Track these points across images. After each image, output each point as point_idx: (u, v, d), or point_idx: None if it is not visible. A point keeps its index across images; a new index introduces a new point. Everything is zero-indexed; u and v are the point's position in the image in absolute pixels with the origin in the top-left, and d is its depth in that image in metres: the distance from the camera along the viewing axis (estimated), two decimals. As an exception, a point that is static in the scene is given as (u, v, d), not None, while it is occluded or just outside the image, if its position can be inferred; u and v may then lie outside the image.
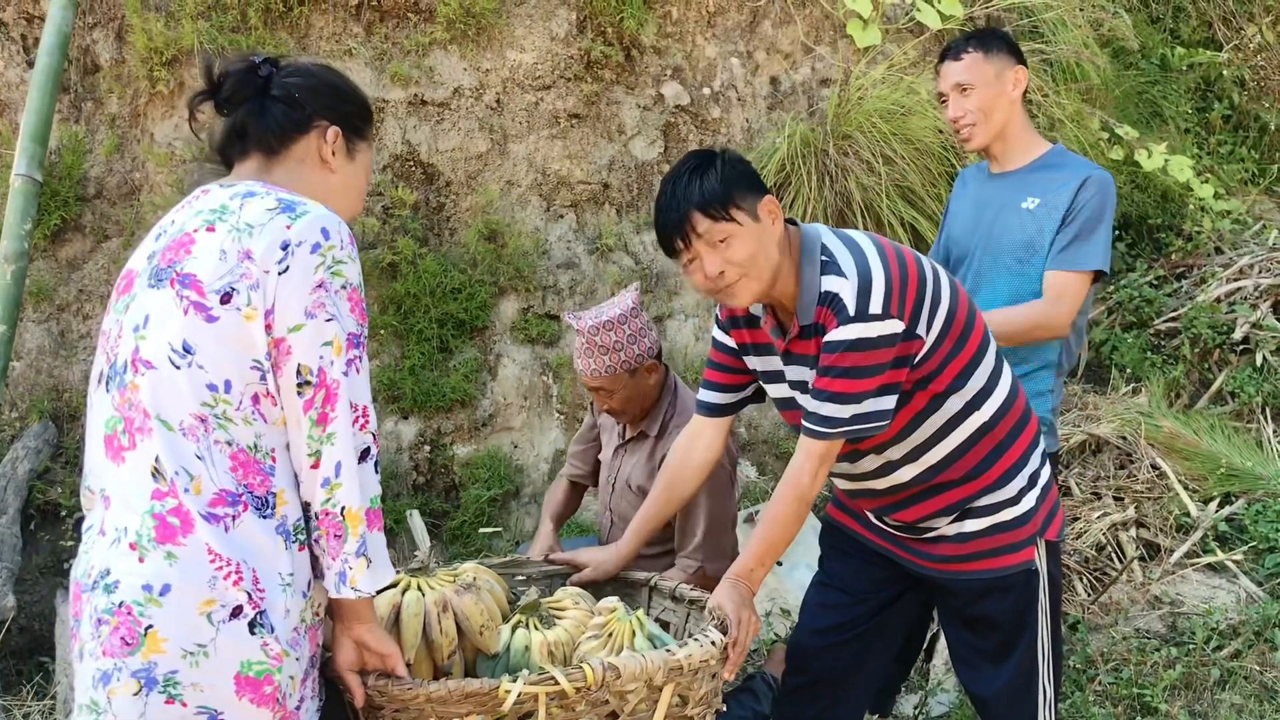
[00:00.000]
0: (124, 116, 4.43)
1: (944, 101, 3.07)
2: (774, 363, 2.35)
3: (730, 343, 2.41)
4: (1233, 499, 4.50)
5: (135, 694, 1.63)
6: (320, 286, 1.70)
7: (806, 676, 2.55)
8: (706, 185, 2.12)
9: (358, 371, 1.74)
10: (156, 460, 1.68)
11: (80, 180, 4.36)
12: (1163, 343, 5.45)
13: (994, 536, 2.32)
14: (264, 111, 1.86)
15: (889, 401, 2.17)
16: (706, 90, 4.96)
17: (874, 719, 3.18)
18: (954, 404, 2.24)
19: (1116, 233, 5.90)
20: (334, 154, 1.89)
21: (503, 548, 4.16)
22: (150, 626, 1.63)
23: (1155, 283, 5.71)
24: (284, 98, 1.86)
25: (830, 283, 2.14)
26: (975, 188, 3.15)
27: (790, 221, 2.25)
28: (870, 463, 2.32)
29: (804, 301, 2.19)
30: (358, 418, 1.72)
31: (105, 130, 4.41)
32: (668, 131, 4.89)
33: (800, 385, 2.29)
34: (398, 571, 2.38)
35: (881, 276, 2.12)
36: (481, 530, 4.09)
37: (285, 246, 1.69)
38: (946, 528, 2.34)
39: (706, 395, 2.49)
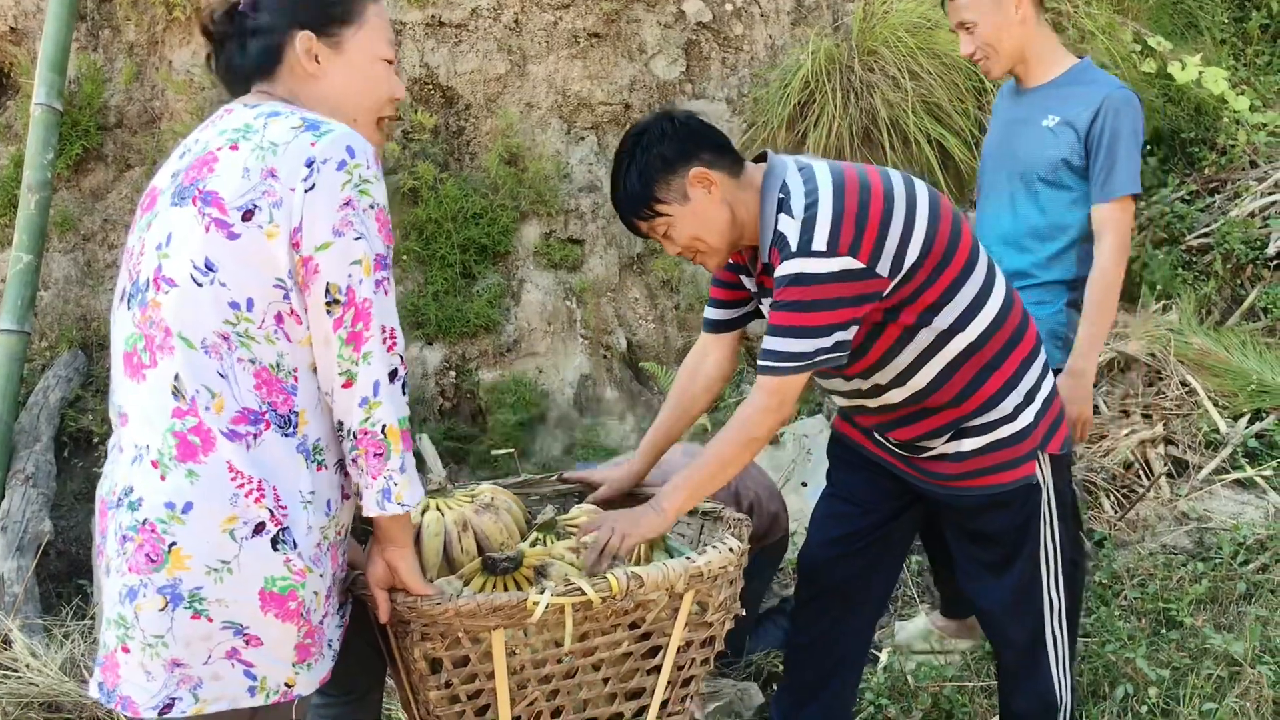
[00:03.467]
0: (141, 44, 4.40)
1: (966, 31, 3.00)
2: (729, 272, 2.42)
3: (730, 259, 2.42)
4: (1263, 415, 4.45)
5: (161, 609, 1.65)
6: (348, 204, 1.67)
7: (816, 588, 2.56)
8: (629, 189, 2.19)
9: (386, 293, 1.72)
10: (177, 378, 1.68)
11: (100, 109, 4.35)
12: (1194, 259, 5.36)
13: (992, 454, 2.30)
14: (244, 49, 1.83)
15: (845, 335, 2.14)
16: (729, 6, 4.87)
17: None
18: (929, 334, 2.21)
19: (1148, 148, 5.79)
20: (316, 59, 1.82)
21: (528, 469, 4.19)
22: (174, 543, 1.64)
23: (1188, 198, 5.61)
24: (257, 29, 1.83)
25: (781, 221, 2.14)
26: (1006, 106, 3.12)
27: (762, 156, 2.26)
28: (860, 384, 2.32)
29: (763, 240, 2.20)
30: (386, 339, 1.71)
31: (123, 58, 4.39)
32: (689, 50, 4.81)
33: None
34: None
35: (829, 213, 2.09)
36: (494, 451, 4.12)
37: (310, 164, 1.66)
38: (943, 447, 2.32)
39: (711, 312, 2.49)
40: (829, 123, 4.61)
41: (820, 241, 2.07)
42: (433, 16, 4.48)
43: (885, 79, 4.62)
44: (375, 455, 1.72)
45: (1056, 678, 2.45)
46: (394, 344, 1.73)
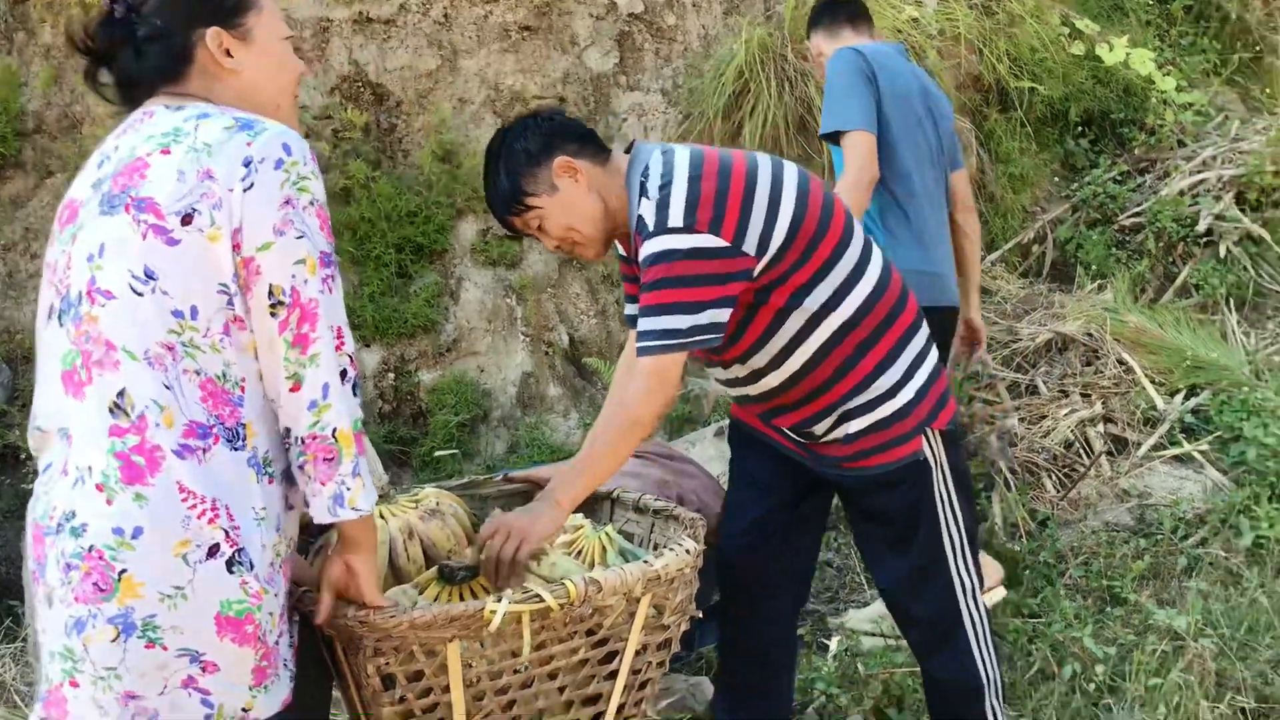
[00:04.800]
0: (59, 46, 4.27)
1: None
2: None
3: (623, 253, 2.41)
4: (1198, 391, 4.53)
5: (113, 640, 1.57)
6: (288, 203, 1.62)
7: (737, 580, 2.55)
8: (500, 189, 2.22)
9: (332, 291, 1.67)
10: (121, 395, 1.61)
11: (18, 115, 4.22)
12: (1127, 238, 5.45)
13: (877, 433, 2.29)
14: (141, 56, 1.75)
15: (718, 313, 2.13)
16: (660, -3, 4.84)
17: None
18: (801, 315, 2.21)
19: (1080, 129, 5.87)
20: (229, 53, 1.76)
21: (473, 470, 4.14)
22: (125, 570, 1.57)
23: (1119, 178, 5.69)
24: (151, 34, 1.74)
25: (641, 205, 2.17)
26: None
27: (630, 147, 2.28)
28: (738, 370, 2.31)
29: (631, 228, 2.22)
30: (334, 338, 1.66)
31: (40, 61, 4.26)
32: (622, 41, 4.77)
33: None
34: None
35: (683, 191, 2.11)
36: (437, 452, 4.07)
37: (248, 163, 1.61)
38: (833, 432, 2.32)
39: (630, 308, 2.45)
40: (764, 112, 4.60)
41: (676, 218, 2.09)
42: (360, 13, 4.40)
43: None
44: (325, 460, 1.67)
45: (980, 656, 2.44)
46: (342, 343, 1.68)
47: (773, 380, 2.29)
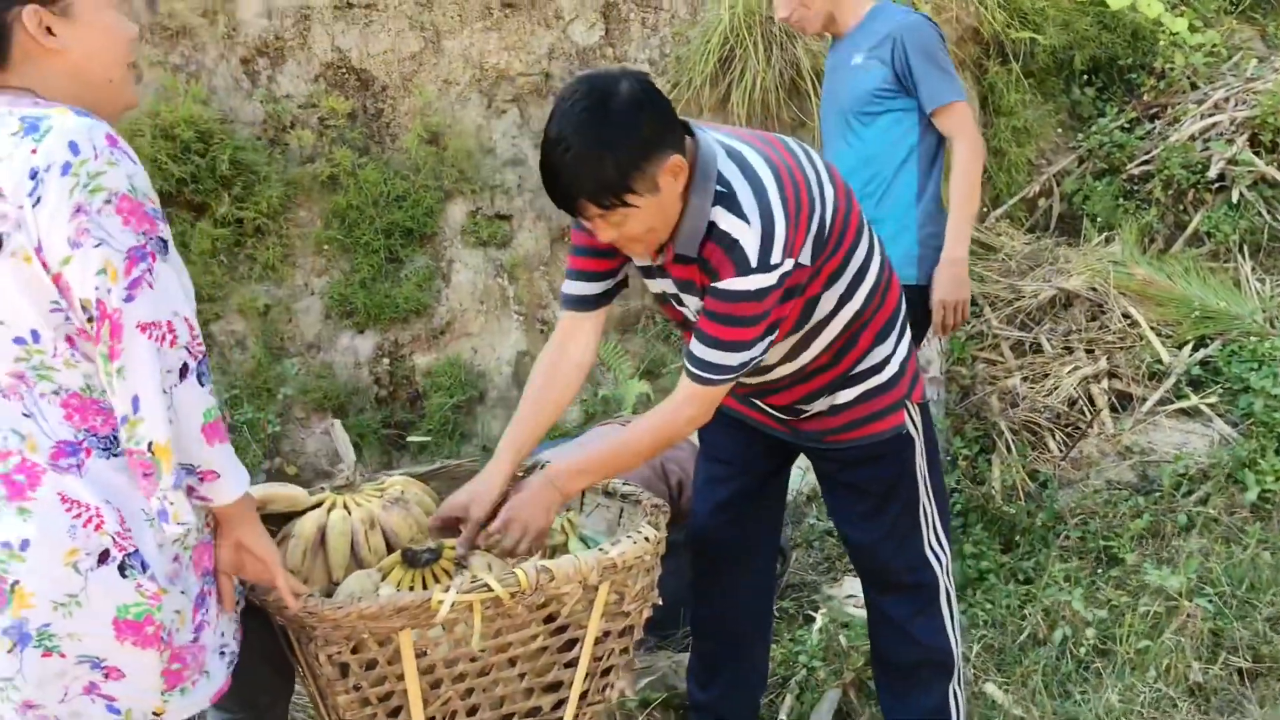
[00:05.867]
0: None
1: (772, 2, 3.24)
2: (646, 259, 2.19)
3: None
4: (1208, 342, 4.43)
5: (9, 651, 1.59)
6: (79, 211, 1.54)
7: (710, 556, 2.55)
8: (600, 175, 1.87)
9: (150, 286, 1.57)
10: None
11: None
12: (1135, 188, 5.32)
13: (865, 404, 2.27)
14: None
15: (772, 336, 2.07)
16: (644, -35, 4.78)
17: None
18: (827, 303, 2.16)
19: (1085, 77, 5.73)
20: (49, 31, 1.64)
21: (470, 451, 4.16)
22: (16, 582, 1.58)
23: (1127, 126, 5.54)
24: None
25: (727, 221, 1.96)
26: (829, 60, 3.33)
27: (687, 130, 2.02)
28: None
29: (686, 229, 1.99)
30: (163, 335, 1.58)
31: None
32: (608, 13, 4.72)
33: (676, 297, 2.20)
34: (323, 489, 2.36)
35: (783, 221, 1.96)
36: (411, 438, 4.08)
37: (34, 175, 1.54)
38: (820, 406, 2.30)
39: (577, 286, 2.23)
40: (752, 77, 4.54)
41: (778, 253, 1.95)
42: (341, -2, 4.39)
43: (801, 37, 4.53)
44: (145, 475, 1.61)
45: (951, 634, 2.43)
46: (174, 337, 1.59)
47: (781, 371, 2.26)
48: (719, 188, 1.97)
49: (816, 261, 2.08)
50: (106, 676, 1.63)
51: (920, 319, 3.08)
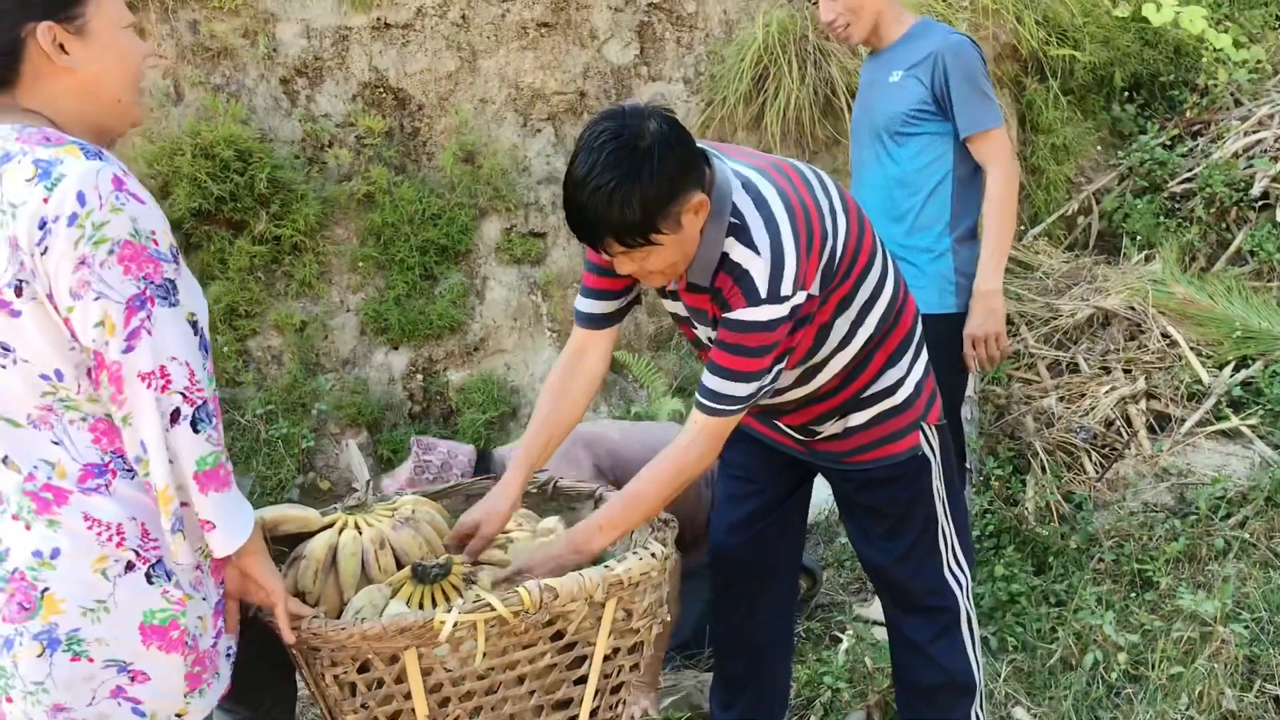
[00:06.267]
0: None
1: (815, 3, 3.13)
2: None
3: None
4: (1249, 362, 4.35)
5: (39, 656, 1.63)
6: (82, 264, 1.54)
7: (731, 575, 2.54)
8: (626, 215, 1.88)
9: (149, 333, 1.58)
10: (5, 460, 1.65)
11: None
12: (1177, 206, 5.25)
13: (879, 426, 2.26)
14: None
15: (780, 367, 2.08)
16: (679, -15, 4.80)
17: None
18: (840, 329, 2.16)
19: (1127, 94, 5.67)
20: (63, 50, 1.64)
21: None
22: (46, 589, 1.63)
23: (1168, 143, 5.48)
24: None
25: (739, 253, 1.97)
26: (865, 72, 3.24)
27: (705, 159, 2.02)
28: None
29: (701, 259, 2.01)
30: (154, 380, 1.59)
31: None
32: (642, 32, 4.75)
33: (689, 320, 2.21)
34: (335, 509, 2.39)
35: (793, 254, 1.97)
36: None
37: (43, 225, 1.55)
38: (834, 428, 2.29)
39: (590, 305, 2.26)
40: (786, 95, 4.54)
41: (788, 285, 1.96)
42: (378, 19, 4.45)
43: (841, 46, 4.53)
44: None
45: (973, 657, 2.41)
46: (167, 383, 1.60)
47: (794, 394, 2.26)
48: (732, 219, 1.99)
49: (825, 290, 2.08)
50: (133, 680, 1.66)
51: (951, 347, 3.05)
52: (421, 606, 2.11)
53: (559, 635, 2.10)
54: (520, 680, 2.10)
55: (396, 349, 4.35)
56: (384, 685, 1.99)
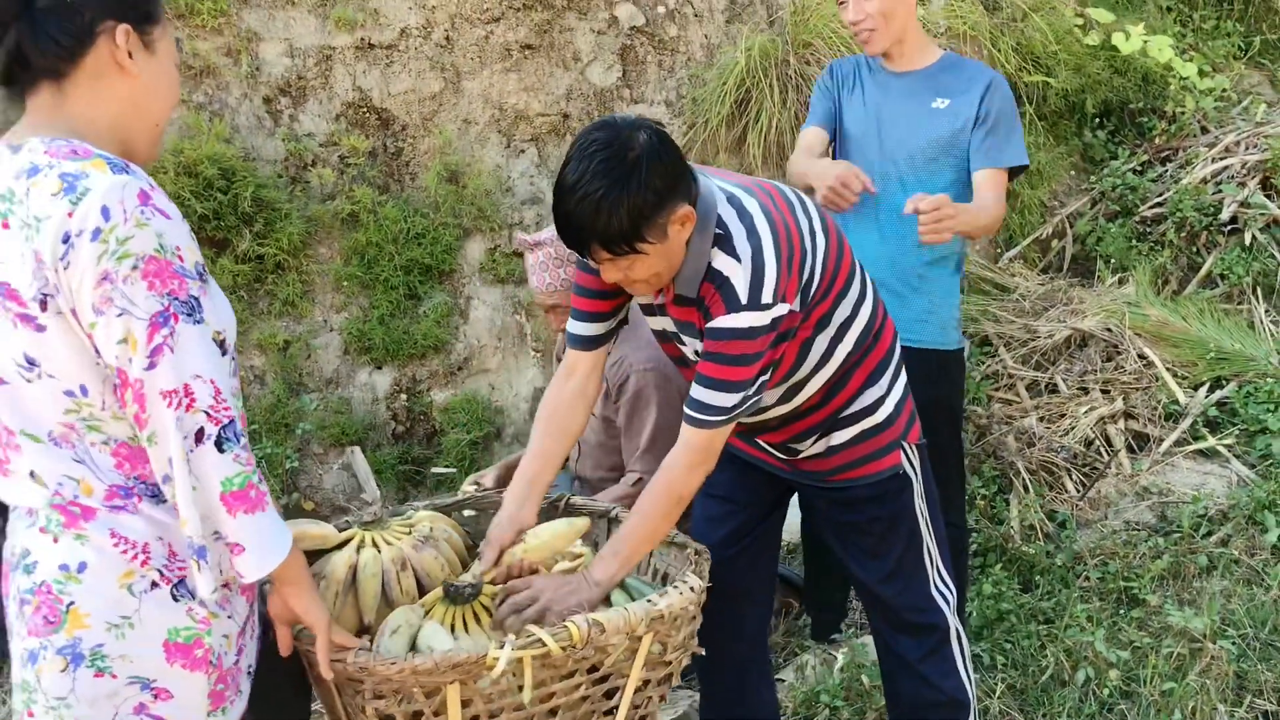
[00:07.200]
0: None
1: (842, 3, 3.03)
2: (647, 297, 2.23)
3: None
4: (1223, 383, 4.43)
5: (62, 671, 1.61)
6: (105, 279, 1.52)
7: (713, 594, 2.53)
8: (613, 224, 1.92)
9: (171, 351, 1.55)
10: (32, 475, 1.63)
11: None
12: (1148, 230, 5.35)
13: (860, 445, 2.29)
14: (36, 29, 1.57)
15: (765, 376, 2.11)
16: (661, 8, 4.83)
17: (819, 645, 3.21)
18: (819, 346, 2.20)
19: (1098, 121, 5.78)
20: (131, 55, 1.64)
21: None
22: (72, 603, 1.61)
23: (1139, 169, 5.59)
24: (53, 6, 1.58)
25: (720, 260, 2.03)
26: (875, 87, 3.08)
27: (691, 176, 2.07)
28: None
29: (687, 271, 2.05)
30: (179, 400, 1.56)
31: None
32: (625, 55, 4.78)
33: (676, 335, 2.23)
34: (348, 523, 2.36)
35: (773, 262, 2.01)
36: (435, 470, 4.08)
37: (66, 239, 1.52)
38: (814, 447, 2.32)
39: (582, 327, 2.29)
40: (767, 119, 4.58)
41: (769, 293, 2.00)
42: (362, 39, 4.44)
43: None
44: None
45: (964, 673, 2.42)
46: (191, 401, 1.57)
47: (776, 412, 2.28)
48: (717, 230, 2.04)
49: (806, 306, 2.12)
50: (156, 697, 1.65)
51: (959, 381, 3.10)
52: (453, 628, 2.09)
53: (594, 668, 2.08)
54: (553, 713, 2.07)
55: (380, 369, 4.32)
56: (422, 716, 1.95)
